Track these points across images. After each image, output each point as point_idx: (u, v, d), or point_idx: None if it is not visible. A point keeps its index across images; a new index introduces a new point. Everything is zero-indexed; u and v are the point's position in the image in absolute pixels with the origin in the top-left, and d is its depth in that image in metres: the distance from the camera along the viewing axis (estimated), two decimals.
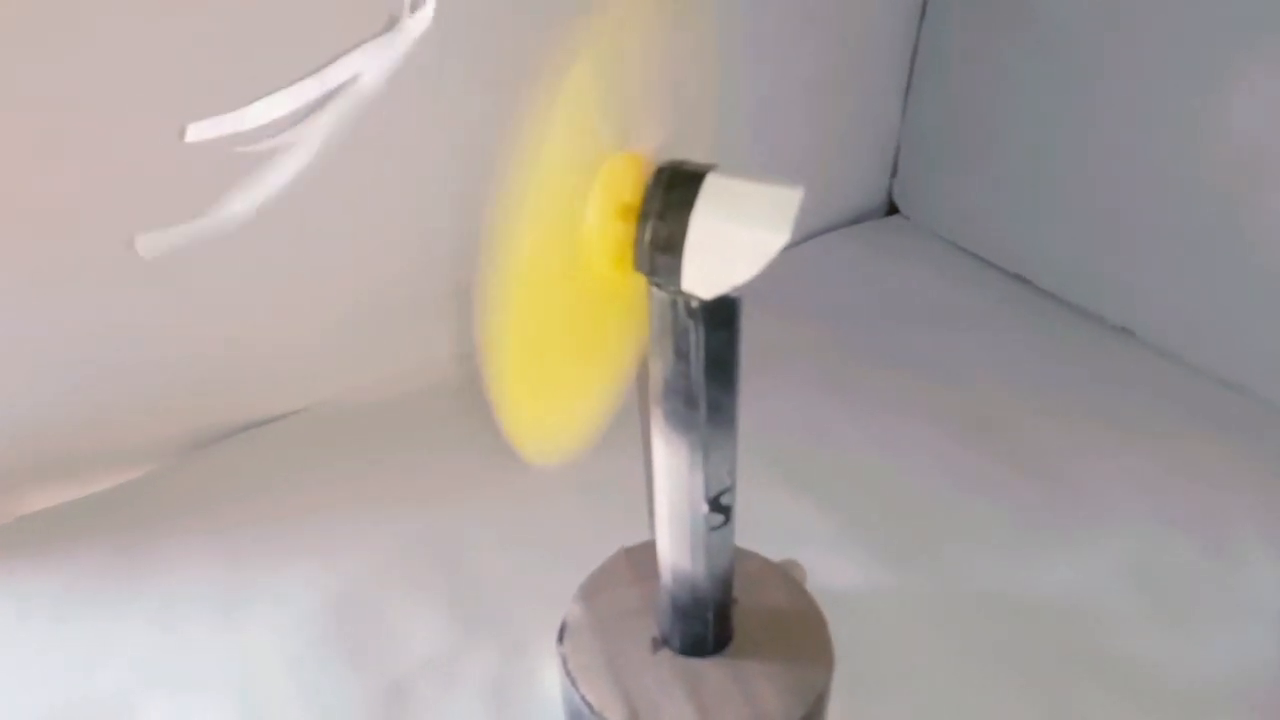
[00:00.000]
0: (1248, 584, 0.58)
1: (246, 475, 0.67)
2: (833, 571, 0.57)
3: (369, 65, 0.41)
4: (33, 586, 0.59)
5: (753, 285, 0.34)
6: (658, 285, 0.36)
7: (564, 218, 0.35)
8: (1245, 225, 0.70)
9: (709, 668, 0.47)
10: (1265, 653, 0.54)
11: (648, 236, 0.34)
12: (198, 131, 0.45)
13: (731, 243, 0.33)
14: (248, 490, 0.65)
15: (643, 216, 0.34)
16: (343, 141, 0.42)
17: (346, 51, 0.42)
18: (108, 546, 0.61)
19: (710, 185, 0.34)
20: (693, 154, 0.36)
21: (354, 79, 0.41)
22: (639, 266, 0.35)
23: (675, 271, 0.34)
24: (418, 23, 0.40)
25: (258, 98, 0.48)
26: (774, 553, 0.54)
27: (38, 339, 0.60)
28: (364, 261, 0.69)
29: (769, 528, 0.52)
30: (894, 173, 0.98)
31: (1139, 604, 0.57)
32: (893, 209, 1.00)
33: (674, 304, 0.36)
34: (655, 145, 0.36)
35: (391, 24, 0.41)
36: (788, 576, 0.53)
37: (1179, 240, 0.74)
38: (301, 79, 0.44)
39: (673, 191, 0.34)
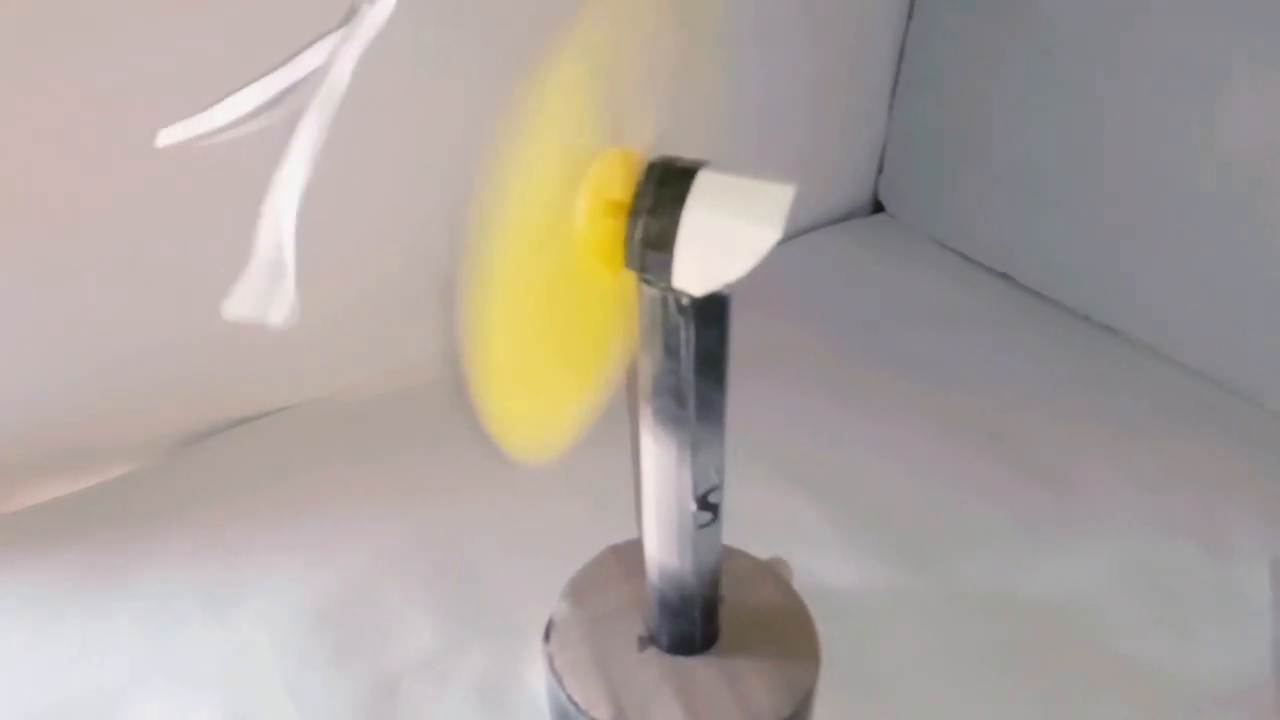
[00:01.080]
0: (1243, 585, 0.58)
1: (237, 472, 0.66)
2: (818, 570, 0.57)
3: (331, 58, 0.40)
4: (21, 583, 0.58)
5: (737, 283, 0.34)
6: (648, 282, 0.36)
7: (553, 213, 0.34)
8: (1233, 224, 0.70)
9: (696, 666, 0.47)
10: (1261, 653, 0.54)
11: (639, 233, 0.34)
12: (170, 135, 0.44)
13: (724, 239, 0.33)
14: (238, 487, 0.65)
15: (634, 213, 0.34)
16: (329, 138, 0.41)
17: (309, 45, 0.42)
18: (98, 542, 0.60)
19: (702, 181, 0.33)
20: (684, 151, 0.35)
21: (317, 71, 0.41)
22: (629, 263, 0.35)
23: (666, 268, 0.34)
24: (379, 12, 0.39)
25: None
26: (758, 551, 0.54)
27: (28, 336, 0.59)
28: (354, 258, 0.68)
29: (752, 526, 0.51)
30: (880, 170, 0.98)
31: (1132, 604, 0.57)
32: (879, 207, 1.00)
33: (664, 301, 0.36)
34: (646, 141, 0.36)
35: (351, 14, 0.40)
36: (775, 575, 0.53)
37: (1166, 239, 0.75)
38: (266, 73, 0.44)
39: (664, 188, 0.34)
